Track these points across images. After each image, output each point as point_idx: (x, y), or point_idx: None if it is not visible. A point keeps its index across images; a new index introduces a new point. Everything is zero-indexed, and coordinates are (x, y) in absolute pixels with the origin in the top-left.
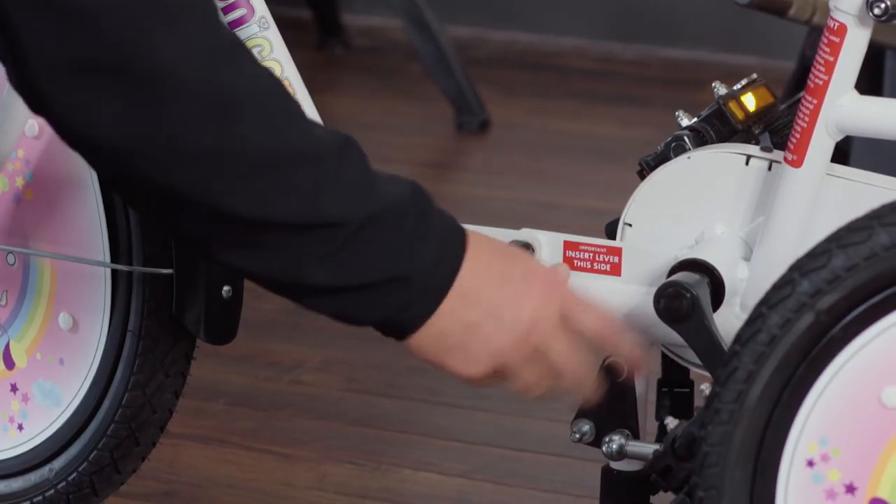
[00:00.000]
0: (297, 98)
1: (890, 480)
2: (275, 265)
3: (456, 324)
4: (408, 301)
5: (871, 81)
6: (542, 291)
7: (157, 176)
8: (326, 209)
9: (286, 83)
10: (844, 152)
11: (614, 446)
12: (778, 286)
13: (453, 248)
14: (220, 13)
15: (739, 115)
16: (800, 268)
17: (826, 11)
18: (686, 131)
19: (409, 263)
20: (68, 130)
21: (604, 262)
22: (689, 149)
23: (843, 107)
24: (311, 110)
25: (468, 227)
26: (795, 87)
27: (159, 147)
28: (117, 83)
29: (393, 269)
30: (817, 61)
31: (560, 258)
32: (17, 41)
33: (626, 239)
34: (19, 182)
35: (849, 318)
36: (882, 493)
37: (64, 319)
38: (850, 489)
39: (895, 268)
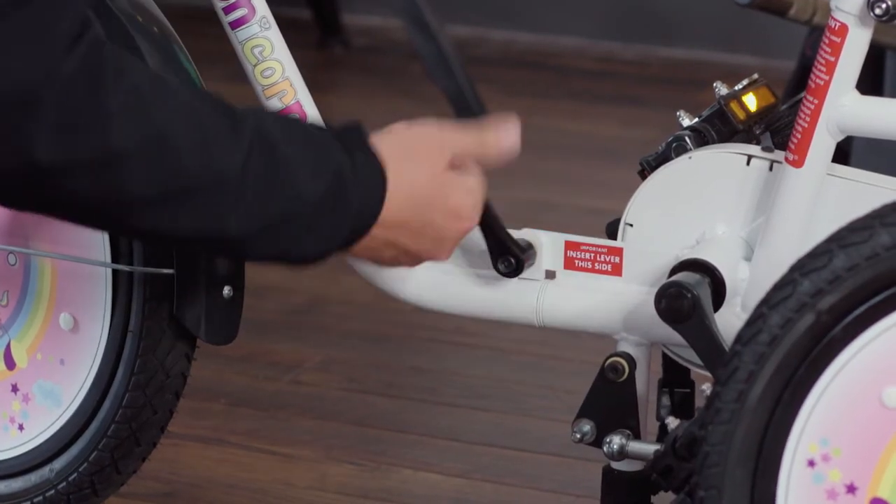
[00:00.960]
0: (275, 91)
1: (890, 480)
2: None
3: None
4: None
5: (871, 81)
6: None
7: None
8: (228, 229)
9: (287, 83)
10: (845, 152)
11: (615, 446)
12: (779, 286)
13: (363, 225)
14: (119, 58)
15: (741, 115)
16: (801, 268)
17: (827, 11)
18: (687, 131)
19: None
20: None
21: (605, 262)
22: (691, 149)
23: (844, 107)
24: (312, 110)
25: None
26: (796, 87)
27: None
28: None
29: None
30: (818, 61)
31: (561, 258)
32: None
33: (627, 239)
34: None
35: (850, 318)
36: (882, 493)
37: (65, 320)
38: (851, 489)
39: None
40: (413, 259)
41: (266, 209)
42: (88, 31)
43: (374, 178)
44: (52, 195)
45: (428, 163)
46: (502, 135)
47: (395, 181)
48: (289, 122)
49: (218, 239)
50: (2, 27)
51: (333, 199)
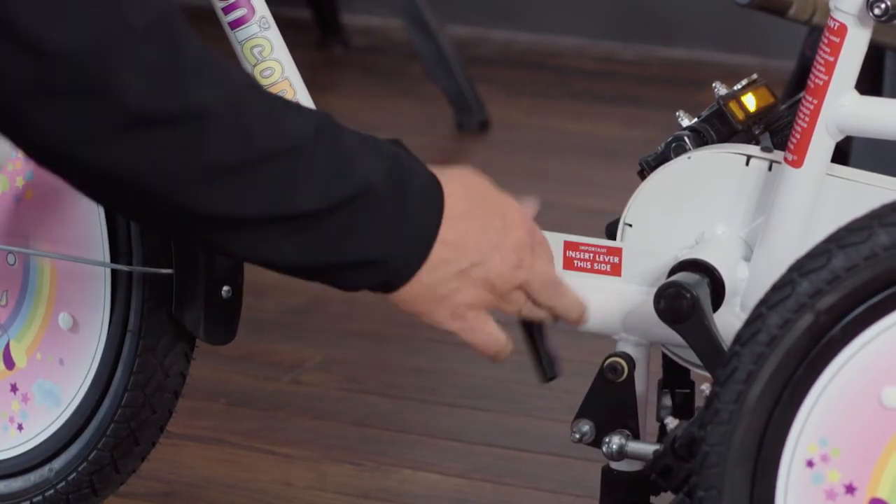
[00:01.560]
0: (274, 91)
1: (889, 480)
2: (248, 249)
3: (445, 273)
4: (387, 274)
5: (871, 82)
6: (518, 231)
7: (137, 193)
8: (299, 201)
9: (286, 83)
10: (845, 152)
11: (614, 446)
12: (777, 287)
13: (430, 213)
14: (186, 25)
15: (740, 115)
16: (799, 268)
17: (826, 11)
18: (686, 131)
19: (387, 246)
20: (42, 151)
21: (604, 262)
22: (690, 149)
23: (843, 107)
24: None
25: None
26: (795, 87)
27: (134, 171)
28: (87, 110)
29: (371, 251)
30: (817, 61)
31: (560, 258)
32: None
33: (626, 239)
34: (19, 182)
35: (848, 318)
36: (882, 494)
37: (64, 319)
38: (850, 489)
39: (894, 268)
40: (482, 280)
41: (337, 186)
42: None
43: (431, 190)
44: (141, 152)
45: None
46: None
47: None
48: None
49: (288, 216)
50: None
51: (396, 188)
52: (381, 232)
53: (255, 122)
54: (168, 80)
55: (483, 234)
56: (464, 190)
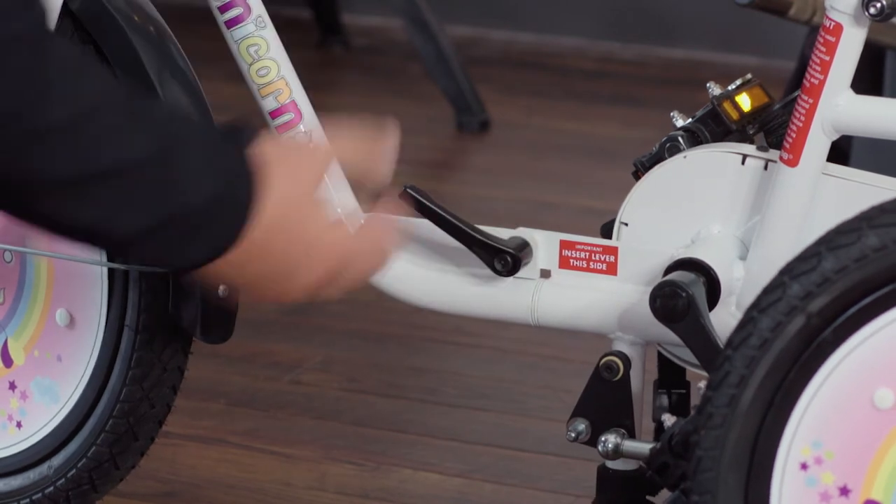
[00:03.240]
0: (270, 90)
1: (884, 482)
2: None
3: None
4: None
5: (871, 82)
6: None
7: None
8: (119, 223)
9: (282, 82)
10: (844, 152)
11: (610, 445)
12: (768, 290)
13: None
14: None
15: (734, 115)
16: (790, 271)
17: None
18: (680, 132)
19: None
20: None
21: (600, 261)
22: (684, 149)
23: (838, 106)
24: (307, 109)
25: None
26: (795, 86)
27: None
28: None
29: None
30: (813, 60)
31: (556, 257)
32: None
33: (622, 238)
34: None
35: (840, 320)
36: (876, 495)
37: (61, 316)
38: (844, 492)
39: (885, 270)
40: (275, 282)
41: (155, 209)
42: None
43: (250, 183)
44: None
45: (305, 180)
46: (384, 143)
47: (272, 187)
48: (189, 121)
49: (105, 235)
50: None
51: (220, 204)
52: (198, 248)
53: (100, 138)
54: (20, 94)
55: (285, 257)
56: (279, 198)
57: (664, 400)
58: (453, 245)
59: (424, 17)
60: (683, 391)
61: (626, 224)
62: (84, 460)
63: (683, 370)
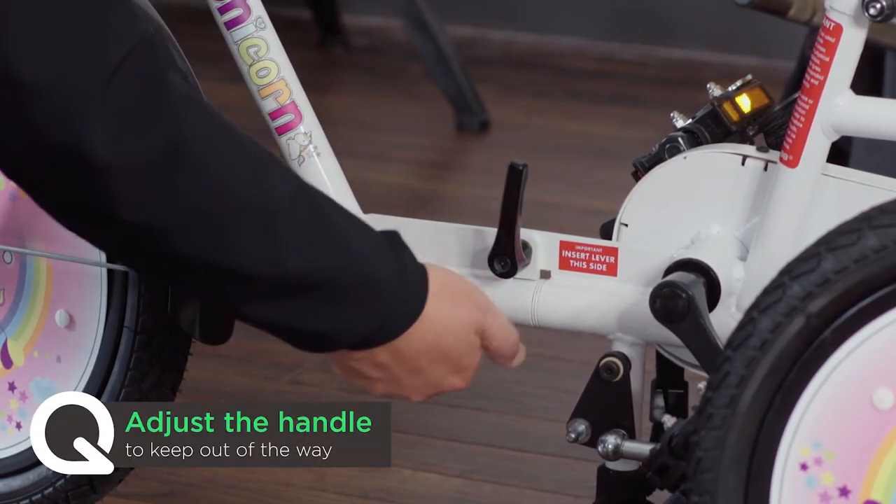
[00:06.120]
0: (270, 91)
1: (883, 482)
2: (235, 304)
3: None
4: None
5: (871, 82)
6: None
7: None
8: (284, 262)
9: (282, 83)
10: (844, 153)
11: (610, 446)
12: (768, 290)
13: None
14: (165, 58)
15: (734, 116)
16: (789, 272)
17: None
18: (680, 133)
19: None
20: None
21: (600, 262)
22: (684, 150)
23: (838, 107)
24: (307, 110)
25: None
26: (795, 87)
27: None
28: (60, 153)
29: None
30: (813, 61)
31: (556, 258)
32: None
33: (622, 239)
34: None
35: (839, 321)
36: (876, 496)
37: (60, 317)
38: (844, 492)
39: (884, 270)
40: (394, 390)
41: (317, 256)
42: (138, 24)
43: (418, 283)
44: (107, 194)
45: (467, 313)
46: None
47: (433, 306)
48: (327, 197)
49: (273, 275)
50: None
51: (376, 279)
52: (344, 316)
53: (233, 170)
54: (136, 122)
55: (415, 376)
56: (439, 323)
57: (662, 400)
58: (453, 245)
59: (424, 17)
60: (681, 391)
61: (626, 225)
62: None
63: (681, 370)
